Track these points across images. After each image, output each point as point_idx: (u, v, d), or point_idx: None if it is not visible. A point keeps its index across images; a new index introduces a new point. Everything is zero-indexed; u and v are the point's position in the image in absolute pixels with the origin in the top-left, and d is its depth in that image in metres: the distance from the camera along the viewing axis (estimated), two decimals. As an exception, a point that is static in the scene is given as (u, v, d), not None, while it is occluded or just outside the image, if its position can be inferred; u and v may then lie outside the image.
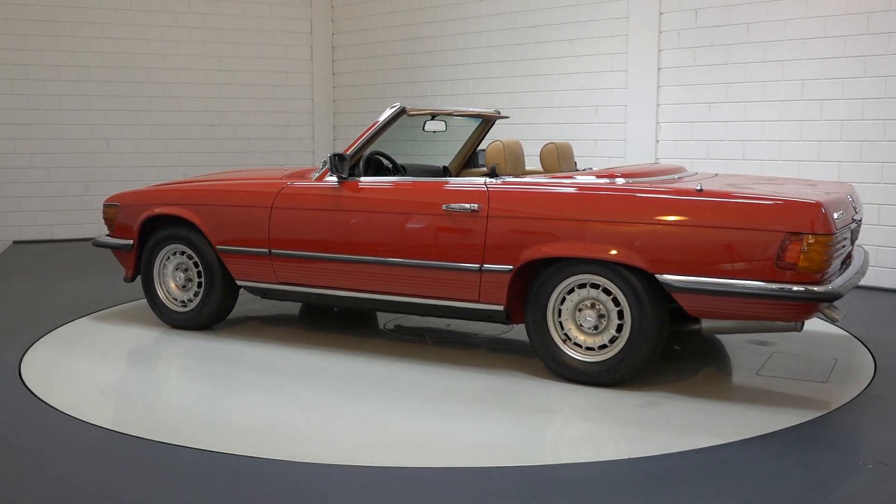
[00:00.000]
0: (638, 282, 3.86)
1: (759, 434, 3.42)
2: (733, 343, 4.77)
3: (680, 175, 4.51)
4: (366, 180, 4.61)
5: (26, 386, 4.08)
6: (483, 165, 5.47)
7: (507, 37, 8.50)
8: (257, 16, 9.99)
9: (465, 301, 4.28)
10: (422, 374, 4.27)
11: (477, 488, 2.98)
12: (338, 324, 5.44)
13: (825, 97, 6.52)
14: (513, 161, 4.44)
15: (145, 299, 5.40)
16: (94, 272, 7.24)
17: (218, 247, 4.97)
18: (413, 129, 5.24)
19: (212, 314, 5.11)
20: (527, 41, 8.34)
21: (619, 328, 3.95)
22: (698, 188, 3.85)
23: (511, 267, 4.08)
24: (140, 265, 5.29)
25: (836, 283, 3.65)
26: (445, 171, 5.56)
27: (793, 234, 3.56)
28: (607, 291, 3.96)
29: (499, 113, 5.61)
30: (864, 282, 4.41)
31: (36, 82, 9.02)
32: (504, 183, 4.23)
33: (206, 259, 5.04)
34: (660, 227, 3.81)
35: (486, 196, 4.19)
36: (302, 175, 5.02)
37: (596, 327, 4.00)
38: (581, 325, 4.03)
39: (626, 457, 3.23)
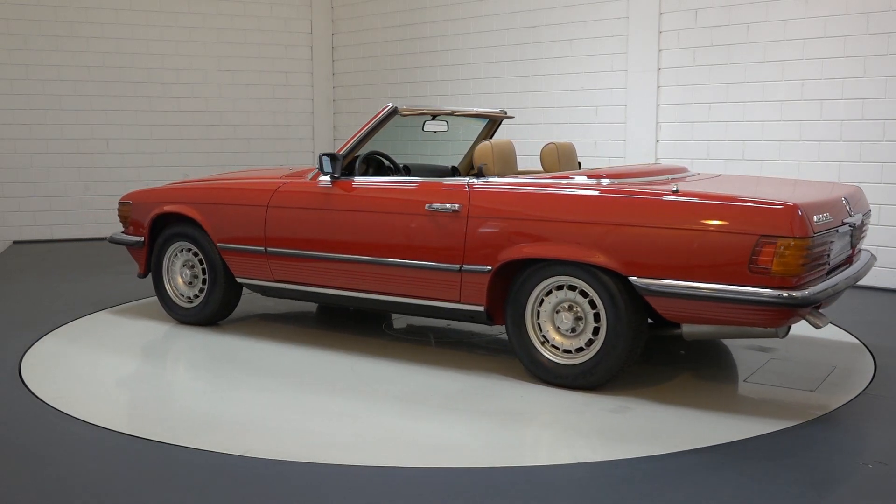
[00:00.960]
0: (613, 284, 3.80)
1: (723, 442, 3.34)
2: (734, 348, 4.71)
3: (678, 176, 4.47)
4: (359, 180, 4.64)
5: (26, 386, 4.08)
6: None
7: (507, 37, 8.50)
8: (257, 16, 9.99)
9: (446, 301, 4.29)
10: (403, 373, 4.28)
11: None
12: (347, 323, 5.43)
13: (825, 97, 6.52)
14: (502, 161, 4.40)
15: (145, 299, 5.48)
16: (94, 272, 7.24)
17: (219, 244, 5.06)
18: (421, 130, 5.24)
19: (215, 311, 5.20)
20: (527, 41, 8.34)
21: (596, 331, 3.90)
22: (674, 189, 3.76)
23: (490, 267, 4.08)
24: (151, 261, 5.41)
25: (813, 289, 3.51)
26: (454, 172, 5.55)
27: (766, 237, 3.44)
28: (584, 294, 3.91)
29: (505, 113, 5.58)
30: (864, 282, 4.41)
31: (36, 82, 9.03)
32: (486, 183, 4.21)
33: (210, 256, 5.14)
34: (633, 228, 3.73)
35: (467, 196, 4.19)
36: (300, 175, 5.04)
37: (573, 329, 3.96)
38: (559, 327, 4.00)
39: (584, 461, 3.19)
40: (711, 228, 3.56)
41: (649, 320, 3.93)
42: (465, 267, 4.16)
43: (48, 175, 9.15)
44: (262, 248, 4.89)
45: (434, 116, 5.16)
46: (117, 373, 4.37)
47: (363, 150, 4.83)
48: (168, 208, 5.26)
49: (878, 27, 6.23)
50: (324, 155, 4.59)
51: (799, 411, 3.69)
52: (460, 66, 8.96)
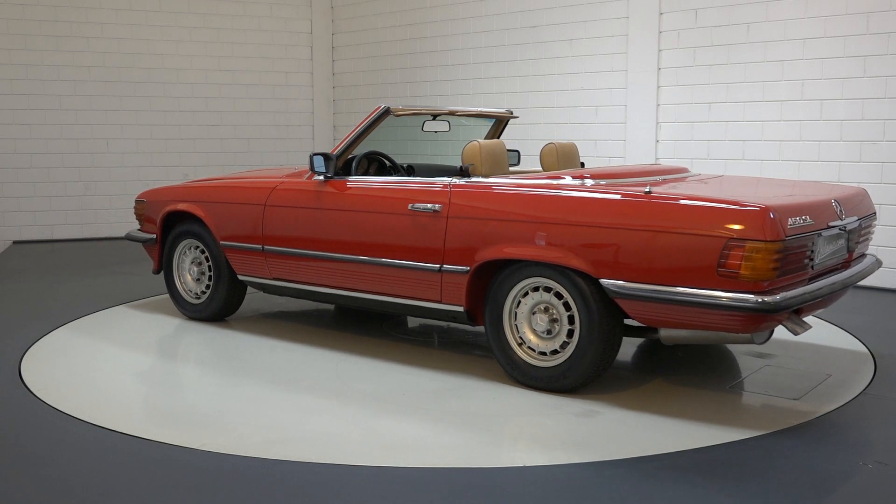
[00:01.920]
0: (586, 286, 3.74)
1: (678, 450, 3.27)
2: (737, 354, 4.63)
3: (677, 176, 4.44)
4: (352, 180, 4.68)
5: (26, 386, 4.08)
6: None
7: (508, 37, 8.50)
8: (257, 16, 9.99)
9: (429, 301, 4.30)
10: (385, 372, 4.31)
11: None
12: (358, 323, 5.42)
13: (825, 97, 6.52)
14: (490, 161, 4.38)
15: (145, 298, 5.58)
16: (94, 272, 7.24)
17: (221, 242, 5.15)
18: (427, 130, 5.23)
19: (219, 307, 5.31)
20: (527, 41, 8.34)
21: (571, 334, 3.85)
22: (646, 190, 3.70)
23: (468, 268, 4.07)
24: (164, 258, 5.55)
25: (786, 295, 3.40)
26: (463, 172, 5.54)
27: (734, 240, 3.35)
28: (559, 296, 3.87)
29: (511, 112, 5.56)
30: (865, 282, 4.37)
31: (36, 82, 9.03)
32: (466, 183, 4.21)
33: (214, 254, 5.26)
34: (603, 230, 3.68)
35: (447, 196, 4.19)
36: (300, 174, 5.05)
37: (549, 332, 3.92)
38: (535, 329, 3.96)
39: (531, 464, 3.17)
40: (680, 230, 3.49)
41: (627, 324, 3.87)
42: (445, 267, 4.16)
43: (48, 175, 9.16)
44: (259, 247, 4.96)
45: (435, 117, 5.16)
46: (117, 372, 4.37)
47: (359, 151, 4.85)
48: (177, 206, 5.38)
49: (878, 27, 6.23)
50: (315, 154, 4.65)
51: (769, 421, 3.58)
52: (460, 66, 8.96)
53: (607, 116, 7.79)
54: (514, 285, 3.98)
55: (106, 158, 9.40)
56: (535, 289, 3.95)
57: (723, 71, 7.02)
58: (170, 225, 5.50)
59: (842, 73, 6.42)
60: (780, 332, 4.78)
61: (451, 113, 5.26)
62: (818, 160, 6.59)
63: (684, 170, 4.69)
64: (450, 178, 4.28)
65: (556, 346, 3.91)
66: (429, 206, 4.21)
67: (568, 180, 3.99)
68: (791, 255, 3.45)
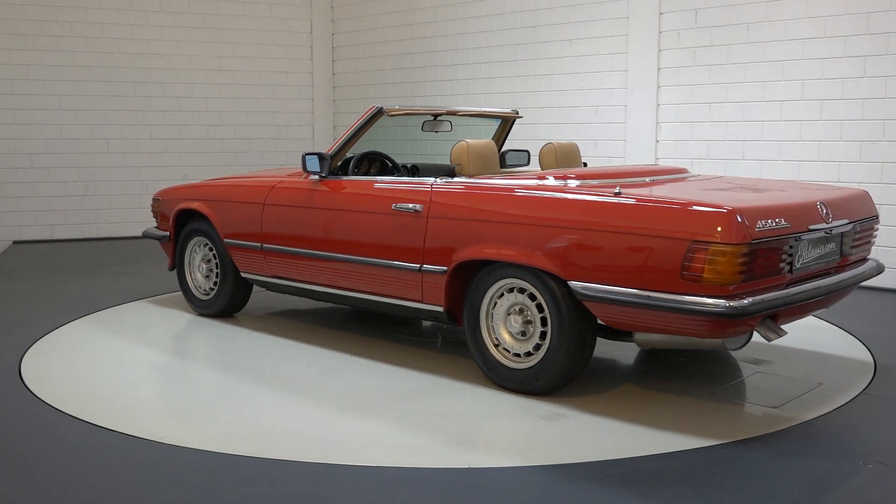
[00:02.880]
0: (557, 288, 3.70)
1: (637, 455, 3.22)
2: (731, 359, 4.55)
3: (675, 177, 4.40)
4: (345, 180, 4.72)
5: (26, 386, 4.08)
6: (511, 165, 5.45)
7: (507, 37, 8.50)
8: (257, 16, 9.99)
9: (411, 301, 4.31)
10: (365, 371, 4.33)
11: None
12: (364, 322, 5.43)
13: (825, 97, 6.52)
14: (479, 162, 4.36)
15: (145, 298, 5.67)
16: (94, 272, 7.24)
17: (225, 240, 5.25)
18: (431, 131, 5.22)
19: (225, 304, 5.43)
20: (527, 41, 8.34)
21: (544, 336, 3.81)
22: (616, 191, 3.63)
23: (446, 268, 4.07)
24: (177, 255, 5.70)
25: (755, 299, 3.31)
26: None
27: (698, 242, 3.26)
28: (533, 297, 3.84)
29: (517, 113, 5.54)
30: (865, 282, 4.32)
31: (36, 82, 9.03)
32: (447, 184, 4.21)
33: (220, 251, 5.38)
34: (571, 231, 3.64)
35: (429, 196, 4.20)
36: (300, 174, 5.06)
37: (523, 333, 3.89)
38: (511, 330, 3.94)
39: (476, 466, 3.15)
40: (645, 232, 3.42)
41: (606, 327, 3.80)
42: (425, 267, 4.17)
43: (48, 175, 9.16)
44: (259, 245, 5.04)
45: (435, 117, 5.15)
46: (117, 372, 4.37)
47: (356, 151, 4.89)
48: (186, 205, 5.50)
49: (878, 27, 6.23)
50: (307, 154, 4.71)
51: (738, 428, 3.50)
52: (460, 66, 8.96)
53: (607, 116, 7.79)
54: (490, 286, 3.97)
55: (106, 158, 9.40)
56: (511, 290, 3.93)
57: (723, 71, 7.02)
58: (182, 223, 5.63)
59: (842, 73, 6.42)
60: (783, 338, 4.79)
61: (450, 113, 5.26)
62: (818, 160, 6.59)
63: (683, 170, 4.64)
64: (433, 179, 4.28)
65: (530, 347, 3.87)
66: (410, 206, 4.23)
67: (550, 181, 3.95)
68: (761, 259, 3.36)
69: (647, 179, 4.22)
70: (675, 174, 4.52)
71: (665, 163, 7.30)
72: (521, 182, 4.02)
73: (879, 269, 4.24)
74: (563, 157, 4.83)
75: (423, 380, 4.18)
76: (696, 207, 3.38)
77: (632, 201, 3.57)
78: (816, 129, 6.59)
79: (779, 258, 3.47)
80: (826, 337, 4.96)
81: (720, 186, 4.27)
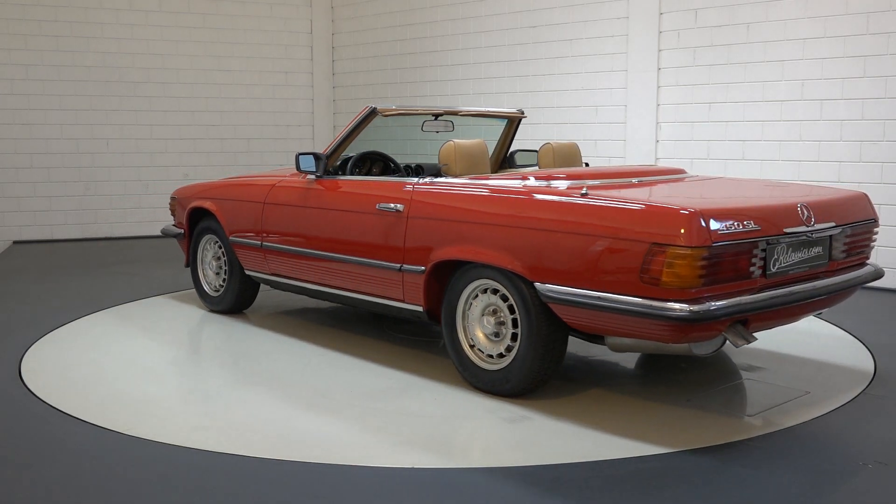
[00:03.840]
0: (526, 289, 3.65)
1: (591, 460, 3.17)
2: (727, 363, 4.48)
3: (673, 177, 4.36)
4: (339, 179, 4.75)
5: (26, 386, 4.08)
6: (521, 166, 5.45)
7: (507, 37, 8.50)
8: (257, 16, 9.99)
9: (394, 300, 4.33)
10: (346, 368, 4.37)
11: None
12: (372, 322, 5.43)
13: (825, 97, 6.52)
14: (465, 162, 4.35)
15: (145, 298, 5.75)
16: (94, 272, 7.24)
17: (230, 238, 5.34)
18: (433, 131, 5.22)
19: (233, 300, 5.52)
20: (527, 41, 8.34)
21: (516, 337, 3.77)
22: (583, 192, 3.58)
23: (423, 268, 4.08)
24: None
25: (718, 304, 3.22)
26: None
27: (657, 245, 3.19)
28: (506, 298, 3.81)
29: (522, 112, 5.53)
30: (856, 286, 4.08)
31: (36, 82, 9.03)
32: (428, 184, 4.21)
33: (227, 249, 5.48)
34: (537, 231, 3.59)
35: (410, 196, 4.21)
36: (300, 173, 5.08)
37: (497, 334, 3.87)
38: (485, 331, 3.92)
39: (419, 466, 3.13)
40: (606, 234, 3.37)
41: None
42: (405, 267, 4.18)
43: (48, 175, 9.16)
44: (259, 242, 5.12)
45: (437, 117, 5.14)
46: (117, 372, 4.37)
47: (356, 151, 4.91)
48: (198, 203, 5.62)
49: (878, 27, 6.23)
50: (301, 154, 4.77)
51: (698, 436, 3.41)
52: (460, 66, 8.96)
53: (607, 116, 7.79)
54: (466, 287, 3.96)
55: (106, 158, 9.40)
56: (485, 291, 3.92)
57: (723, 71, 7.02)
58: (196, 221, 5.74)
59: (842, 73, 6.42)
60: (783, 337, 4.80)
61: (448, 113, 5.23)
62: (818, 160, 6.59)
63: (680, 171, 4.59)
64: (416, 179, 4.30)
65: (502, 349, 3.85)
66: (391, 205, 4.26)
67: (530, 181, 3.91)
68: (725, 262, 3.27)
69: (636, 181, 4.14)
70: (671, 175, 4.46)
71: (665, 163, 7.30)
72: (495, 182, 4.00)
73: (877, 275, 4.09)
74: (562, 158, 4.81)
75: (401, 379, 4.19)
76: (656, 210, 3.33)
77: (596, 202, 3.51)
78: (816, 129, 6.59)
79: (748, 261, 3.37)
80: (826, 337, 4.96)
81: (702, 188, 4.18)
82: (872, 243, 4.12)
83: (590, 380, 4.22)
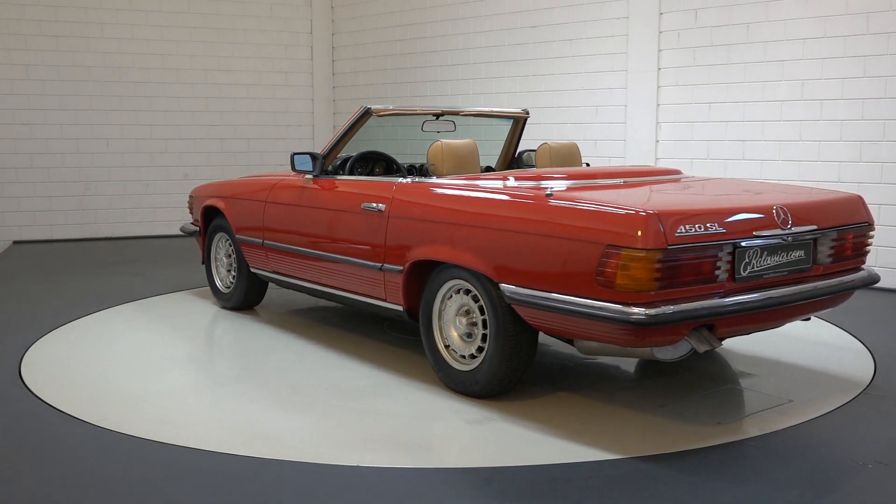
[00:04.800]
0: (494, 290, 3.63)
1: (555, 462, 3.14)
2: (723, 367, 4.43)
3: (670, 178, 4.32)
4: (336, 179, 4.78)
5: (26, 386, 4.08)
6: (528, 166, 5.44)
7: (507, 37, 8.50)
8: (257, 16, 9.99)
9: (377, 299, 4.36)
10: (329, 366, 4.40)
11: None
12: (371, 322, 5.43)
13: (825, 97, 6.52)
14: (453, 162, 4.34)
15: (145, 298, 5.80)
16: (94, 272, 7.24)
17: (236, 235, 5.43)
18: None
19: (241, 297, 5.62)
20: (527, 41, 8.35)
21: (486, 338, 3.76)
22: (548, 192, 3.56)
23: (402, 267, 4.09)
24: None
25: (676, 308, 3.14)
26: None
27: (612, 247, 3.14)
28: (477, 298, 3.79)
29: (527, 112, 5.51)
30: (846, 291, 3.93)
31: (36, 82, 9.03)
32: (409, 183, 4.23)
33: (236, 246, 5.57)
34: (501, 232, 3.58)
35: (391, 196, 4.23)
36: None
37: (469, 335, 3.86)
38: (458, 331, 3.92)
39: (365, 465, 3.13)
40: (563, 235, 3.34)
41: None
42: (385, 266, 4.21)
43: (48, 175, 9.16)
44: (260, 240, 5.19)
45: (437, 117, 5.13)
46: (117, 372, 4.37)
47: (355, 151, 4.94)
48: (210, 202, 5.73)
49: (878, 27, 6.23)
50: (296, 154, 4.83)
51: (696, 437, 3.38)
52: (460, 66, 8.96)
53: (607, 116, 7.79)
54: (441, 287, 3.96)
55: (106, 158, 9.40)
56: (458, 291, 3.92)
57: (723, 71, 7.02)
58: (210, 219, 5.85)
59: (842, 73, 6.42)
60: (783, 338, 4.80)
61: (448, 112, 5.22)
62: (818, 160, 6.59)
63: (675, 171, 4.54)
64: (401, 179, 4.32)
65: (474, 349, 3.84)
66: (374, 205, 4.29)
67: (510, 181, 3.89)
68: (685, 266, 3.20)
69: (621, 181, 4.09)
70: (664, 175, 4.41)
71: (665, 163, 7.30)
72: (471, 182, 4.00)
73: (870, 280, 3.92)
74: (560, 158, 4.79)
75: (378, 378, 4.20)
76: (612, 211, 3.28)
77: (556, 203, 3.47)
78: (816, 129, 6.59)
79: (712, 265, 3.29)
80: (825, 337, 4.96)
81: (685, 190, 4.10)
82: (867, 248, 3.98)
83: (566, 384, 4.14)
